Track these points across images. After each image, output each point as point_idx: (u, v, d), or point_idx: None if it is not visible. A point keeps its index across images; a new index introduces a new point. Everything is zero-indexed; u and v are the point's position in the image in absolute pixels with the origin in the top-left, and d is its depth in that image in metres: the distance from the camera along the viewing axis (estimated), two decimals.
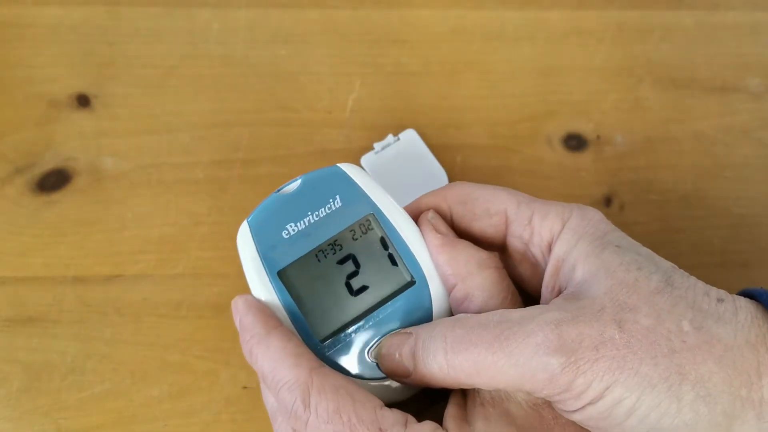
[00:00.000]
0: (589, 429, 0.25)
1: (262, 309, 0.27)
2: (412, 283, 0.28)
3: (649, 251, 0.26)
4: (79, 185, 0.38)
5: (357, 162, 0.39)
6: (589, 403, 0.23)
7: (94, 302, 0.36)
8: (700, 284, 0.25)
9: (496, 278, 0.27)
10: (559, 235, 0.27)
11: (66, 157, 0.39)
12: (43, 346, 0.35)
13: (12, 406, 0.34)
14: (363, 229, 0.29)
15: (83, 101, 0.40)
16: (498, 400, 0.25)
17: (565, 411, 0.24)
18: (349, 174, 0.29)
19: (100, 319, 0.36)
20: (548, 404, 0.25)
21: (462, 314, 0.26)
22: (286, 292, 0.28)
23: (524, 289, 0.30)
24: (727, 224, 0.39)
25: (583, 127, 0.42)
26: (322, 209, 0.28)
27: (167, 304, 0.36)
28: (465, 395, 0.27)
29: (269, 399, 0.28)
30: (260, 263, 0.28)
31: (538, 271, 0.29)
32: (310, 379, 0.25)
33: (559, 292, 0.26)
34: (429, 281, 0.28)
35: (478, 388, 0.26)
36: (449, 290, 0.28)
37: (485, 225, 0.29)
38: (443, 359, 0.25)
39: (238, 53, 0.42)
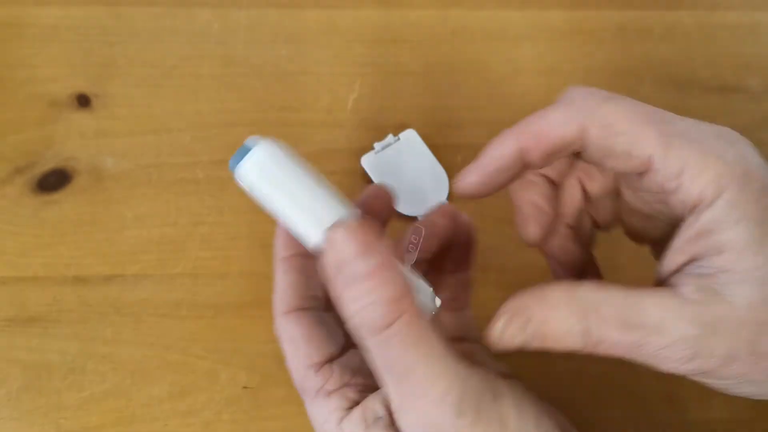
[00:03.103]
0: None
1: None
2: None
3: None
4: (79, 185, 0.38)
5: (357, 162, 0.39)
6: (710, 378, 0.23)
7: (94, 302, 0.36)
8: None
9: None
10: (712, 203, 0.23)
11: (66, 157, 0.39)
12: (43, 346, 0.35)
13: (12, 406, 0.34)
14: None
15: (83, 101, 0.40)
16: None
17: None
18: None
19: (100, 319, 0.36)
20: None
21: (595, 299, 0.23)
22: None
23: (625, 227, 0.28)
24: None
25: None
26: None
27: (167, 304, 0.36)
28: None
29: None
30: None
31: (659, 208, 0.26)
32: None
33: (690, 261, 0.24)
34: None
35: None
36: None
37: (621, 164, 0.24)
38: (579, 348, 0.23)
39: (238, 53, 0.42)
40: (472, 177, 0.25)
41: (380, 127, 0.41)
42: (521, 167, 0.25)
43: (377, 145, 0.39)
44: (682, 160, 0.23)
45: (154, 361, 0.35)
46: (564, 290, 0.23)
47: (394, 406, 0.23)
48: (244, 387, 0.35)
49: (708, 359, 0.22)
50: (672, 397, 0.36)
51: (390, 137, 0.40)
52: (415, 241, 0.27)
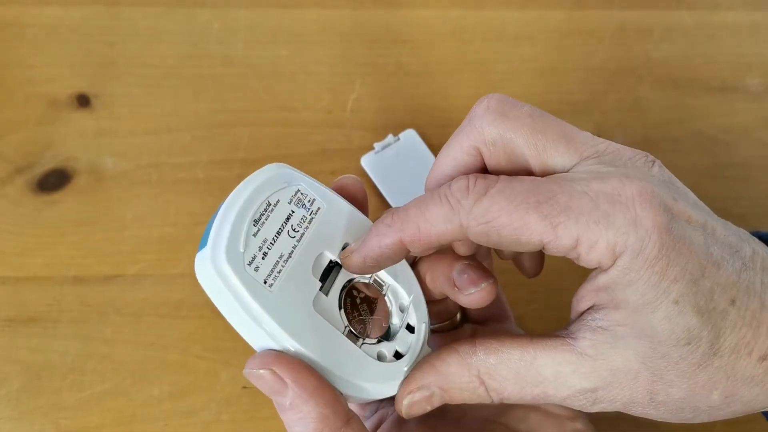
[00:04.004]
0: None
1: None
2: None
3: (711, 287, 0.23)
4: (79, 185, 0.38)
5: (357, 162, 0.39)
6: None
7: (94, 302, 0.36)
8: (750, 334, 0.23)
9: None
10: (608, 269, 0.23)
11: (66, 157, 0.39)
12: (43, 346, 0.35)
13: (12, 406, 0.34)
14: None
15: (83, 101, 0.40)
16: None
17: None
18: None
19: (100, 319, 0.36)
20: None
21: (486, 354, 0.25)
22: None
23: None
24: None
25: (584, 127, 0.41)
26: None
27: (167, 304, 0.36)
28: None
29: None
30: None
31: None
32: None
33: (592, 307, 0.25)
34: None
35: None
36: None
37: (513, 248, 0.25)
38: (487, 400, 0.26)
39: (238, 53, 0.42)
40: (356, 258, 0.26)
41: (380, 127, 0.41)
42: (405, 253, 0.25)
43: (377, 145, 0.39)
44: (573, 239, 0.23)
45: (153, 361, 0.35)
46: (458, 361, 0.25)
47: None
48: (244, 387, 0.35)
49: (610, 404, 0.24)
50: None
51: (390, 137, 0.40)
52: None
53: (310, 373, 0.24)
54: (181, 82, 0.41)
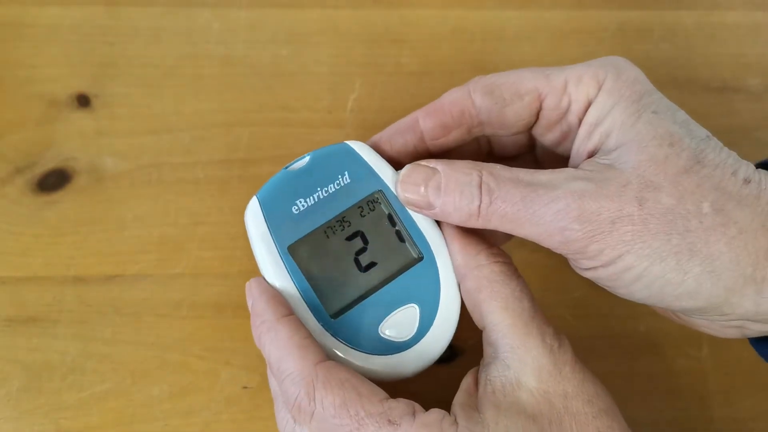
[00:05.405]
0: (600, 285, 0.27)
1: (275, 295, 0.27)
2: (419, 259, 0.28)
3: (686, 117, 0.26)
4: (79, 185, 0.38)
5: None
6: (601, 266, 0.25)
7: (94, 302, 0.36)
8: (731, 160, 0.25)
9: (506, 272, 0.27)
10: (595, 98, 0.27)
11: (66, 157, 0.39)
12: (43, 346, 0.35)
13: (12, 406, 0.34)
14: (371, 206, 0.29)
15: (83, 101, 0.40)
16: (509, 388, 0.25)
17: (578, 268, 0.26)
18: (357, 151, 0.30)
19: (100, 319, 0.36)
20: (559, 393, 0.25)
21: (493, 165, 0.26)
22: (296, 267, 0.28)
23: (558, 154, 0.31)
24: None
25: None
26: (331, 185, 0.29)
27: (167, 304, 0.36)
28: (475, 382, 0.27)
29: (273, 383, 0.28)
30: (270, 238, 0.28)
31: (571, 137, 0.29)
32: (315, 373, 0.25)
33: (590, 156, 0.27)
34: (437, 258, 0.28)
35: (490, 377, 0.26)
36: (459, 280, 0.28)
37: (518, 108, 0.28)
38: (475, 208, 0.26)
39: (238, 53, 0.42)
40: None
41: (380, 127, 0.40)
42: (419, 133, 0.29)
43: None
44: (563, 78, 0.27)
45: (153, 361, 0.35)
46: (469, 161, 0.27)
47: None
48: (244, 387, 0.35)
49: (596, 219, 0.24)
50: (672, 394, 0.36)
51: None
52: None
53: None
54: (181, 82, 0.41)
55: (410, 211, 0.29)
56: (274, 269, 0.28)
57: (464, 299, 0.28)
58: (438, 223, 0.29)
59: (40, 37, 0.42)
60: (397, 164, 0.30)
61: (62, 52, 0.42)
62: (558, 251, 0.26)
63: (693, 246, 0.23)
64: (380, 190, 0.29)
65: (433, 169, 0.27)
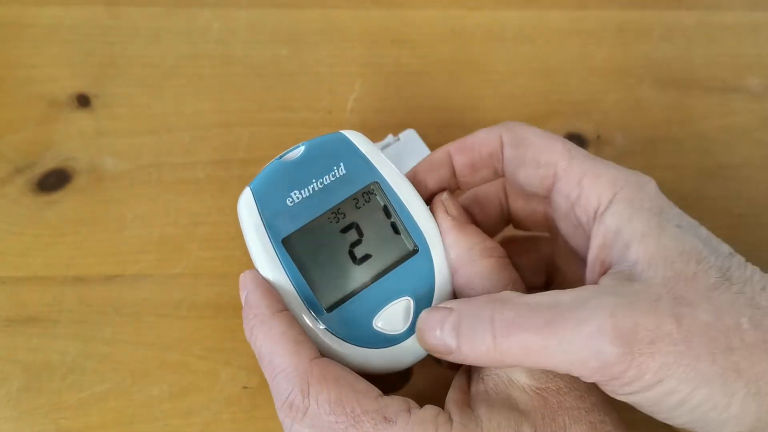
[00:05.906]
0: (635, 407, 0.25)
1: (270, 289, 0.27)
2: (414, 251, 0.28)
3: (708, 233, 0.25)
4: (79, 185, 0.38)
5: None
6: (639, 391, 0.23)
7: (94, 302, 0.36)
8: (757, 276, 0.24)
9: (497, 268, 0.27)
10: (609, 205, 0.26)
11: (66, 157, 0.39)
12: (43, 346, 0.35)
13: (12, 406, 0.34)
14: (366, 198, 0.29)
15: (83, 101, 0.40)
16: (501, 386, 0.25)
17: (614, 393, 0.24)
18: (353, 141, 0.29)
19: (100, 319, 0.36)
20: (552, 389, 0.25)
21: (508, 293, 0.25)
22: (290, 259, 0.27)
23: (569, 247, 0.30)
24: (727, 224, 0.39)
25: (584, 127, 0.42)
26: (326, 176, 0.28)
27: (167, 304, 0.36)
28: (468, 380, 0.27)
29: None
30: (264, 230, 0.27)
31: (580, 232, 0.28)
32: (310, 369, 0.24)
33: (608, 268, 0.26)
34: (432, 250, 0.28)
35: (482, 375, 0.26)
36: (452, 274, 0.28)
37: (531, 174, 0.28)
38: (491, 342, 0.24)
39: (238, 53, 0.42)
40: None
41: (380, 127, 0.41)
42: (450, 170, 0.30)
43: (377, 145, 0.39)
44: (582, 169, 0.26)
45: (153, 361, 0.35)
46: (487, 299, 0.25)
47: None
48: (244, 387, 0.35)
49: (634, 338, 0.22)
50: None
51: (390, 137, 0.40)
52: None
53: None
54: (181, 82, 0.41)
55: (406, 203, 0.28)
56: (267, 262, 0.27)
57: (456, 294, 0.28)
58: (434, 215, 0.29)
59: (40, 37, 0.42)
60: (429, 197, 0.30)
61: (62, 52, 0.42)
62: (591, 380, 0.23)
63: (738, 366, 0.22)
64: (376, 182, 0.29)
65: (449, 310, 0.26)
